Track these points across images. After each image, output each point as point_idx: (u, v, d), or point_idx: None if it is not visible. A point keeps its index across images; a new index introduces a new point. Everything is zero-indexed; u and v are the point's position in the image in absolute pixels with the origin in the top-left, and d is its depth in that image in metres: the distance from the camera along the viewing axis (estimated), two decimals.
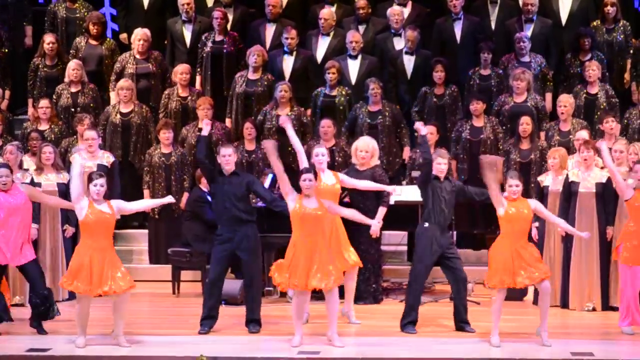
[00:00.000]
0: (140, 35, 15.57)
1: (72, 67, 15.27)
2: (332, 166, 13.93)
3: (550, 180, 13.20)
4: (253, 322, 12.25)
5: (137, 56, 15.69)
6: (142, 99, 15.40)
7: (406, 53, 15.51)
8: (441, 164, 12.22)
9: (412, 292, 12.23)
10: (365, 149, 13.10)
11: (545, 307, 11.56)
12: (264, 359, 11.30)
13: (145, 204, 12.84)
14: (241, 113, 15.23)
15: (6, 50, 16.00)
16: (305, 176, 11.62)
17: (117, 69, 15.69)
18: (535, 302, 13.27)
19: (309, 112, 15.13)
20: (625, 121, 14.77)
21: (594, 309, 13.16)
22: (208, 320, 12.21)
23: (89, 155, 13.81)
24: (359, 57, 15.45)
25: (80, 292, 11.39)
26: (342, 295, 12.49)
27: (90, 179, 11.57)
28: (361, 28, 15.88)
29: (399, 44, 15.70)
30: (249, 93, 15.32)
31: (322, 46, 15.78)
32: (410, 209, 13.37)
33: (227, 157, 12.20)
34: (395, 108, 15.06)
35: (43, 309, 12.20)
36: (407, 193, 13.53)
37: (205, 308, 12.22)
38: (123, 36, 16.47)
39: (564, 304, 13.11)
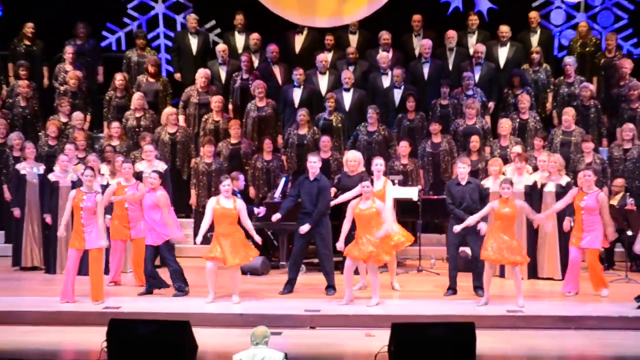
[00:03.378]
0: (202, 74, 15.67)
1: (137, 98, 15.43)
2: (328, 172, 14.23)
3: (490, 183, 13.22)
4: (329, 288, 12.58)
5: (200, 89, 15.72)
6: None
7: (395, 87, 15.60)
8: (460, 167, 12.67)
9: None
10: (354, 159, 13.45)
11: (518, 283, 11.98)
12: (279, 315, 11.63)
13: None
14: (256, 132, 15.28)
15: (86, 86, 16.02)
16: (364, 183, 11.98)
17: (184, 98, 15.78)
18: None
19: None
20: (551, 138, 14.81)
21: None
22: (288, 285, 12.64)
23: (148, 163, 13.90)
24: (351, 90, 15.51)
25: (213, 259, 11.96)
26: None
27: (219, 180, 12.26)
28: (351, 68, 15.86)
29: (385, 80, 15.73)
30: (261, 118, 15.42)
31: (323, 82, 15.80)
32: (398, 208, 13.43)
33: (313, 164, 12.66)
34: (387, 129, 15.08)
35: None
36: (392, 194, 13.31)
37: (289, 275, 12.67)
38: (177, 75, 16.57)
39: (502, 274, 13.32)
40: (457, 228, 12.41)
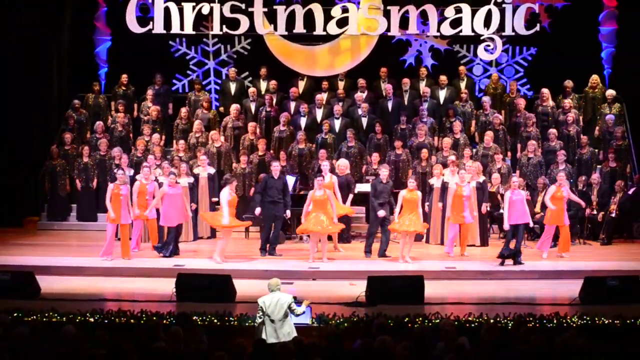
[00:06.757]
0: (234, 108, 15.49)
1: (197, 124, 15.24)
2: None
3: (434, 181, 13.33)
4: (271, 248, 12.37)
5: (233, 118, 15.52)
6: (236, 140, 15.26)
7: (363, 116, 15.50)
8: (382, 171, 12.49)
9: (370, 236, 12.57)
10: (342, 164, 13.46)
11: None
12: (291, 271, 11.60)
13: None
14: (279, 147, 15.06)
15: (161, 116, 15.82)
16: (318, 179, 12.13)
17: (223, 124, 15.53)
18: (427, 241, 13.44)
19: (313, 145, 14.99)
20: (476, 151, 14.68)
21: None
22: (263, 250, 12.45)
23: (202, 168, 13.81)
24: (340, 118, 15.33)
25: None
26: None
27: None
28: (340, 103, 15.59)
29: (359, 111, 15.47)
30: (282, 137, 15.27)
31: (320, 113, 15.68)
32: (364, 196, 13.42)
33: (275, 167, 12.60)
34: (360, 145, 14.93)
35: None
36: (363, 187, 13.63)
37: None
38: (221, 109, 16.23)
39: (427, 240, 13.36)
40: (380, 213, 12.26)
